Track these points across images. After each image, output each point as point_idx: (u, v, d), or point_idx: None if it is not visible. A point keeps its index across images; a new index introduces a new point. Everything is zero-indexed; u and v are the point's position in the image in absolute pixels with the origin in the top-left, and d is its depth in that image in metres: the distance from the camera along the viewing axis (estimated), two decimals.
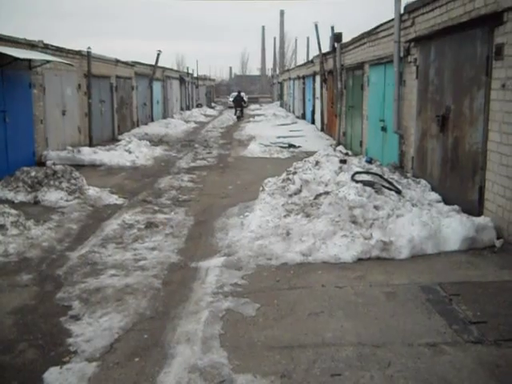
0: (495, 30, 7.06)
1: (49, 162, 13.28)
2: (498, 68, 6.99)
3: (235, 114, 36.41)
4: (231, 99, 49.44)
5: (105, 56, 21.37)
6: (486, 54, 7.31)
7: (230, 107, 47.93)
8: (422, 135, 10.15)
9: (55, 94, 15.88)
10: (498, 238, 6.76)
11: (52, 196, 9.84)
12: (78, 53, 18.21)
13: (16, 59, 11.97)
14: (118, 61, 23.19)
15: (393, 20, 11.09)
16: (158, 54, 30.21)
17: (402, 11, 10.80)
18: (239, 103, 36.32)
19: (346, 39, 17.54)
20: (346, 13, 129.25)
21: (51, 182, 10.13)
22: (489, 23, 7.19)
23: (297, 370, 4.08)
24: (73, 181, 10.33)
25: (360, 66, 15.28)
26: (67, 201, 9.80)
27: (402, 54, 10.96)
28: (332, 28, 19.35)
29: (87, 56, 18.54)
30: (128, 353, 4.50)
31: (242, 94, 39.17)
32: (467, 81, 7.99)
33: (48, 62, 14.30)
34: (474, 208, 7.57)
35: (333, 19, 23.61)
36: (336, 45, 18.43)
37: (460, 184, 8.22)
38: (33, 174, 10.28)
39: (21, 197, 9.86)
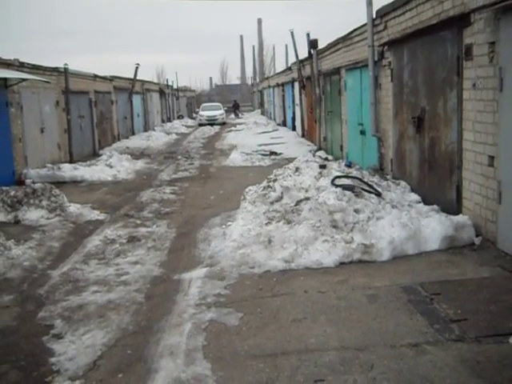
0: (464, 31, 7.18)
1: (28, 181, 13.18)
2: (469, 68, 7.10)
3: (235, 115, 51.88)
4: (204, 114, 42.12)
5: (82, 72, 21.32)
6: (457, 55, 7.42)
7: (201, 125, 39.69)
8: (399, 137, 10.25)
9: (33, 111, 15.78)
10: (477, 236, 6.84)
11: (32, 215, 9.75)
12: (55, 69, 18.14)
13: None
14: (96, 76, 23.15)
15: (366, 25, 11.21)
16: (137, 68, 30.27)
17: (374, 16, 10.93)
18: (236, 107, 54.65)
19: (323, 45, 17.69)
20: (323, 19, 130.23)
21: (31, 201, 10.04)
22: (457, 25, 7.31)
23: (280, 378, 4.09)
24: (53, 198, 10.25)
25: (336, 71, 15.39)
26: (48, 219, 9.72)
27: (376, 58, 11.06)
28: (308, 35, 19.45)
29: (64, 72, 18.49)
30: (111, 369, 4.47)
31: (237, 102, 58.78)
32: (440, 82, 8.10)
33: (24, 80, 14.22)
34: (452, 207, 7.65)
35: (310, 26, 23.82)
36: (312, 51, 18.57)
37: (438, 184, 8.30)
38: (12, 193, 10.18)
39: (1, 217, 9.74)
